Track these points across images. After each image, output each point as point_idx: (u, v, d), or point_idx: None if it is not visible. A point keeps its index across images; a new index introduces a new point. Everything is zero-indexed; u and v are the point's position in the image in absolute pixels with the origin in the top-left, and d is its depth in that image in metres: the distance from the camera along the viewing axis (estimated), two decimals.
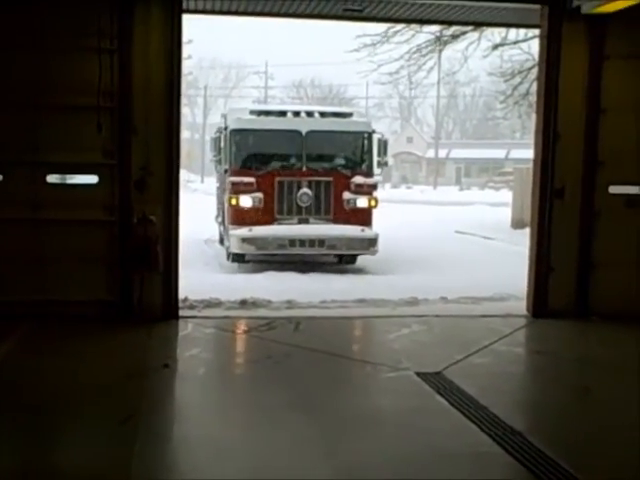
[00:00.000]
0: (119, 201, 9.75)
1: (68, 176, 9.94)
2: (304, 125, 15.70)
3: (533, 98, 22.56)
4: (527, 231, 21.62)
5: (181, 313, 9.93)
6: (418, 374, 7.56)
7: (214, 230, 19.19)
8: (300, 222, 15.29)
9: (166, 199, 9.86)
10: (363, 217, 15.57)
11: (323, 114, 16.54)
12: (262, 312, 10.40)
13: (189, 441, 6.00)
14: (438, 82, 54.62)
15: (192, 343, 8.94)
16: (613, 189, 10.51)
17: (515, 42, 22.34)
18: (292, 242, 14.89)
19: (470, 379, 7.42)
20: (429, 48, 22.54)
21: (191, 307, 10.34)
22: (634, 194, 10.61)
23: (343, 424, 6.32)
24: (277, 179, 15.29)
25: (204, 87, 71.93)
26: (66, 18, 9.59)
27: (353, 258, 15.94)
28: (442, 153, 72.73)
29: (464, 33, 21.35)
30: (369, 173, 15.96)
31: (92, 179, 9.76)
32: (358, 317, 10.35)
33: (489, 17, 12.29)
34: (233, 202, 15.24)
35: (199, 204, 21.27)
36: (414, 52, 22.42)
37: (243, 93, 73.16)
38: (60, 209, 9.59)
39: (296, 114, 16.28)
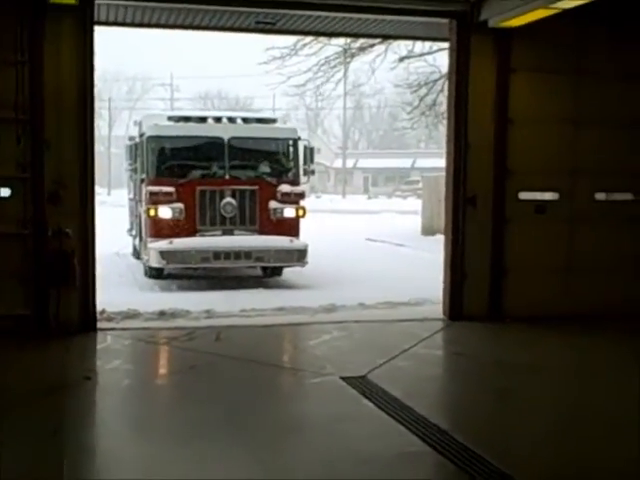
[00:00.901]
0: (33, 214, 9.58)
1: None
2: (226, 131, 15.01)
3: (439, 109, 23.23)
4: (437, 238, 22.36)
5: (99, 325, 9.83)
6: (343, 378, 7.67)
7: (125, 242, 18.80)
8: (224, 233, 14.50)
9: (81, 212, 9.74)
10: (291, 227, 14.93)
11: (246, 120, 15.99)
12: (181, 322, 10.38)
13: (117, 455, 5.95)
14: (344, 94, 55.22)
15: (112, 355, 8.84)
16: (523, 195, 10.86)
17: (421, 55, 22.84)
18: (216, 255, 14.09)
19: (394, 382, 7.57)
20: (337, 60, 22.83)
21: (109, 319, 10.23)
22: (543, 200, 11.01)
23: (271, 431, 6.36)
24: (199, 188, 14.50)
25: (108, 99, 70.86)
26: None
27: (279, 270, 15.37)
28: (349, 163, 73.57)
29: (372, 46, 21.72)
30: (295, 181, 15.32)
31: (5, 192, 9.54)
32: (278, 325, 10.38)
33: (397, 30, 12.63)
34: (151, 213, 14.35)
35: (108, 216, 20.92)
36: (322, 64, 22.66)
37: (148, 105, 72.29)
38: None
39: (217, 120, 15.62)
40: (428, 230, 24.96)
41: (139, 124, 16.02)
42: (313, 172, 15.73)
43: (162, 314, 10.65)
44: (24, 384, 7.43)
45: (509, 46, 10.74)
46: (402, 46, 22.48)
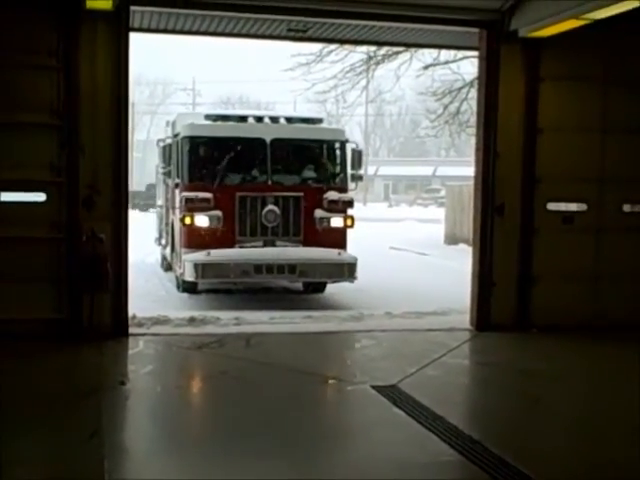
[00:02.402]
0: (67, 219, 9.71)
1: (16, 194, 9.82)
2: (268, 132, 13.69)
3: (463, 117, 23.25)
4: (460, 247, 22.42)
5: (130, 330, 9.93)
6: (373, 387, 7.73)
7: (150, 250, 18.33)
8: (265, 244, 13.21)
9: (114, 217, 9.85)
10: (338, 238, 13.57)
11: (290, 120, 14.50)
12: (211, 329, 10.45)
13: (153, 458, 6.04)
14: (367, 101, 55.30)
15: (145, 360, 8.96)
16: (551, 206, 10.89)
17: (446, 62, 22.88)
18: (258, 268, 12.75)
19: (425, 391, 7.61)
20: (362, 67, 22.92)
21: (139, 324, 10.33)
22: (570, 211, 11.04)
23: (304, 437, 6.41)
24: (238, 194, 13.23)
25: (131, 104, 71.26)
26: (12, 35, 9.53)
27: (322, 286, 14.13)
28: (370, 170, 73.58)
29: (397, 53, 21.80)
30: (343, 188, 13.98)
31: (40, 197, 9.68)
32: (307, 332, 10.44)
33: (426, 39, 12.67)
34: (187, 221, 13.09)
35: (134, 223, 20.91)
36: (347, 71, 22.75)
37: (170, 110, 72.71)
38: (6, 226, 9.49)
39: (259, 119, 14.23)
40: (451, 239, 25.03)
41: (172, 124, 15.06)
42: (361, 178, 14.56)
43: (192, 320, 10.73)
44: (60, 387, 7.57)
45: (538, 55, 10.79)
46: (426, 54, 22.58)
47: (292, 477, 5.64)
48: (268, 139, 13.55)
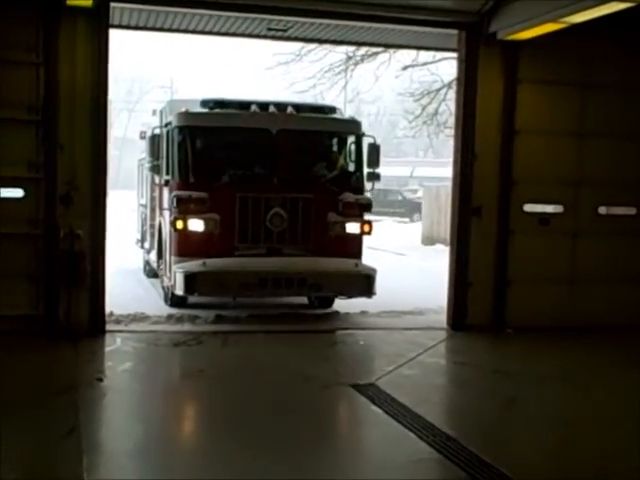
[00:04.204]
0: (44, 215, 9.68)
1: None
2: (274, 122, 11.63)
3: (441, 118, 23.34)
4: (437, 248, 22.52)
5: (107, 327, 9.92)
6: (351, 385, 7.78)
7: (130, 253, 16.51)
8: (270, 253, 11.28)
9: (92, 214, 9.84)
10: (353, 247, 11.73)
11: (299, 108, 12.20)
12: (189, 326, 10.46)
13: (135, 454, 6.04)
14: (345, 100, 55.35)
15: (123, 357, 8.94)
16: (527, 207, 10.99)
17: (424, 64, 22.96)
18: (263, 282, 10.90)
19: (402, 390, 7.68)
20: (341, 67, 22.95)
21: (117, 321, 10.34)
22: (547, 213, 11.14)
23: (285, 438, 6.38)
24: (239, 195, 11.22)
25: (109, 101, 70.76)
26: None
27: (330, 301, 12.12)
28: None
29: (375, 54, 21.86)
30: (360, 188, 11.98)
31: (17, 193, 9.62)
32: (284, 331, 10.46)
33: (406, 40, 12.79)
34: (179, 225, 11.10)
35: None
36: (326, 71, 22.78)
37: (147, 107, 72.37)
38: None
39: (263, 107, 11.92)
40: (428, 240, 25.14)
41: (161, 112, 13.04)
42: (379, 177, 12.18)
43: (170, 318, 10.75)
44: (37, 384, 7.53)
45: (516, 58, 10.90)
46: (405, 54, 22.64)
47: (272, 477, 5.65)
48: (274, 130, 11.55)
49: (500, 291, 10.98)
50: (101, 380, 7.83)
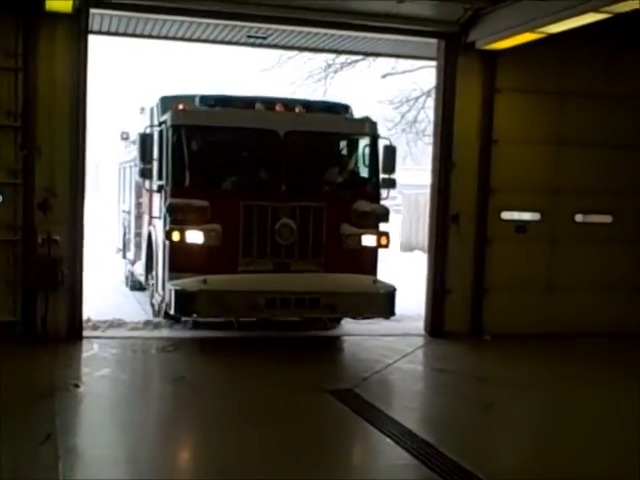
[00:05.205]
0: (23, 221, 9.65)
1: None
2: (282, 123, 10.46)
3: (420, 126, 23.45)
4: (415, 254, 22.55)
5: (85, 333, 9.90)
6: (329, 391, 7.80)
7: (110, 263, 15.86)
8: (277, 269, 10.15)
9: (71, 220, 9.82)
10: (369, 262, 10.58)
11: (309, 107, 11.16)
12: (166, 332, 10.44)
13: (112, 460, 6.03)
14: None
15: (100, 363, 8.90)
16: (505, 215, 11.07)
17: (403, 72, 23.07)
18: (270, 302, 9.67)
19: (381, 396, 7.75)
20: (320, 75, 23.03)
21: (94, 327, 10.32)
22: (524, 220, 11.23)
23: (264, 445, 6.36)
24: (243, 203, 10.05)
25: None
26: None
27: (337, 321, 11.12)
28: None
29: (355, 62, 21.96)
30: (375, 196, 10.74)
31: None
32: (261, 337, 10.46)
33: (386, 48, 12.90)
34: (175, 237, 9.87)
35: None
36: (306, 78, 22.83)
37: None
38: None
39: (269, 106, 10.79)
40: (406, 246, 25.20)
41: (153, 109, 11.55)
42: (394, 184, 10.91)
43: (147, 323, 10.71)
44: (13, 390, 7.45)
45: (495, 67, 11.02)
46: (384, 63, 22.74)
47: None
48: (282, 131, 10.35)
49: (478, 298, 11.06)
50: (78, 386, 7.81)
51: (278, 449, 6.28)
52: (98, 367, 8.72)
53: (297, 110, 10.88)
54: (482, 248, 11.08)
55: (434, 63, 11.52)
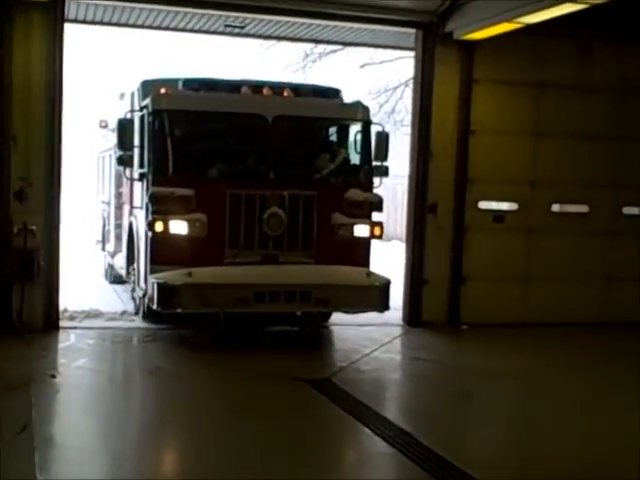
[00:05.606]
0: None
1: None
2: (270, 107, 9.97)
3: (398, 116, 23.46)
4: (393, 244, 22.56)
5: (61, 324, 9.84)
6: (306, 381, 7.81)
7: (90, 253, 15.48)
8: (266, 261, 9.68)
9: (47, 209, 9.74)
10: (362, 253, 10.21)
11: (298, 91, 10.62)
12: (144, 323, 10.38)
13: (89, 451, 6.01)
14: None
15: (77, 354, 8.83)
16: (482, 205, 11.12)
17: (381, 62, 23.08)
18: (259, 296, 9.28)
19: (358, 385, 7.75)
20: (299, 65, 22.99)
21: (71, 318, 10.27)
22: (501, 210, 11.29)
23: (241, 437, 6.32)
24: (229, 192, 9.58)
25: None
26: None
27: (327, 316, 10.79)
28: None
29: (333, 52, 21.94)
30: (368, 184, 10.29)
31: None
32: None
33: (364, 38, 12.90)
34: (158, 227, 9.37)
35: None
36: (284, 68, 22.78)
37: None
38: None
39: (256, 89, 10.28)
40: (385, 236, 25.23)
41: (133, 94, 10.88)
42: (387, 172, 10.41)
43: (124, 314, 10.67)
44: None
45: (472, 58, 11.04)
46: (363, 53, 22.73)
47: (223, 473, 5.63)
48: (270, 117, 9.87)
49: (455, 288, 11.11)
50: (54, 377, 7.76)
51: (251, 439, 6.25)
52: (75, 358, 8.66)
53: (285, 94, 10.37)
54: (460, 238, 11.12)
55: (412, 53, 11.52)
